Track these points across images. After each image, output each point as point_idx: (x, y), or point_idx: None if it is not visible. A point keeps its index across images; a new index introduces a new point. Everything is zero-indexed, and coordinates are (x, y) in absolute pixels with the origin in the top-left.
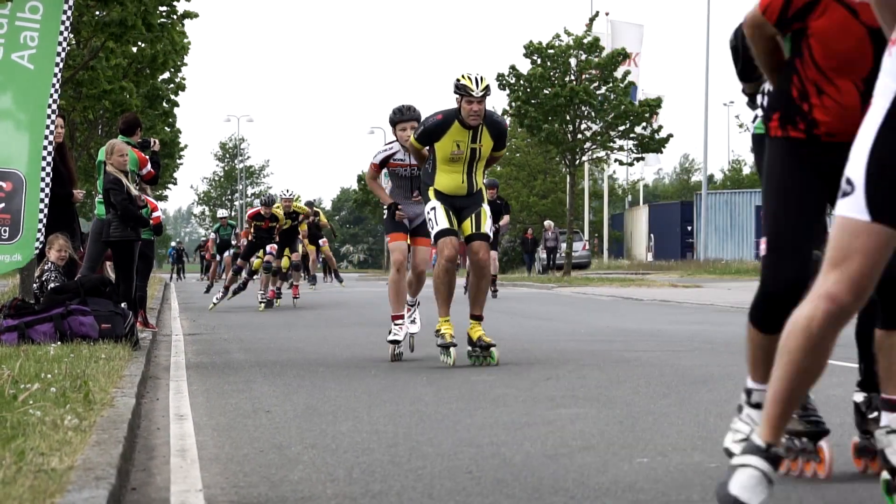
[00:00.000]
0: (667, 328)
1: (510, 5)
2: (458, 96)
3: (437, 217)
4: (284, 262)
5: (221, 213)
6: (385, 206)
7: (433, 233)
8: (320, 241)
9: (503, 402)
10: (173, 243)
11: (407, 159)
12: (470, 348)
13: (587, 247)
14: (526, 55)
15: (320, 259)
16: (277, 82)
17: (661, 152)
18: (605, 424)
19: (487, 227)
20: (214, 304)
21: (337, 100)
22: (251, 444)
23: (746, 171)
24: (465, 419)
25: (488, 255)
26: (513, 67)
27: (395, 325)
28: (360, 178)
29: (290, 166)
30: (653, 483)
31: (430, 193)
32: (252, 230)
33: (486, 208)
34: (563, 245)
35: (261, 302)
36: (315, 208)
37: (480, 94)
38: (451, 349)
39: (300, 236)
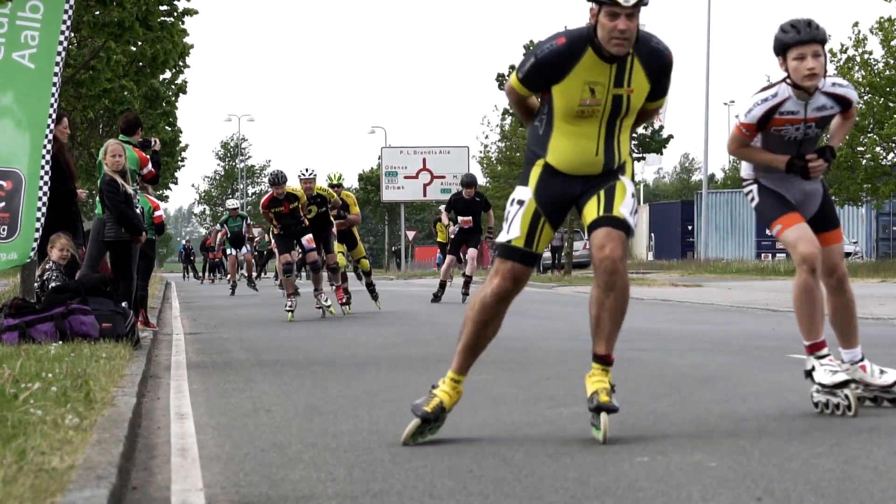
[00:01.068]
0: (667, 327)
1: (511, 5)
2: (593, 6)
3: (514, 220)
4: (340, 259)
5: (231, 203)
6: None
7: (498, 241)
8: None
9: (504, 401)
10: (183, 241)
11: (801, 111)
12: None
13: (588, 246)
14: None
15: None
16: (278, 82)
17: (662, 154)
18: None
19: (626, 208)
20: (290, 310)
21: (338, 99)
22: (252, 443)
23: None
24: (466, 418)
25: (621, 254)
26: (513, 67)
27: (823, 363)
28: (362, 178)
29: (290, 165)
30: (653, 482)
31: (533, 174)
32: (274, 221)
33: (625, 181)
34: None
35: (290, 310)
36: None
37: (632, 2)
38: (420, 424)
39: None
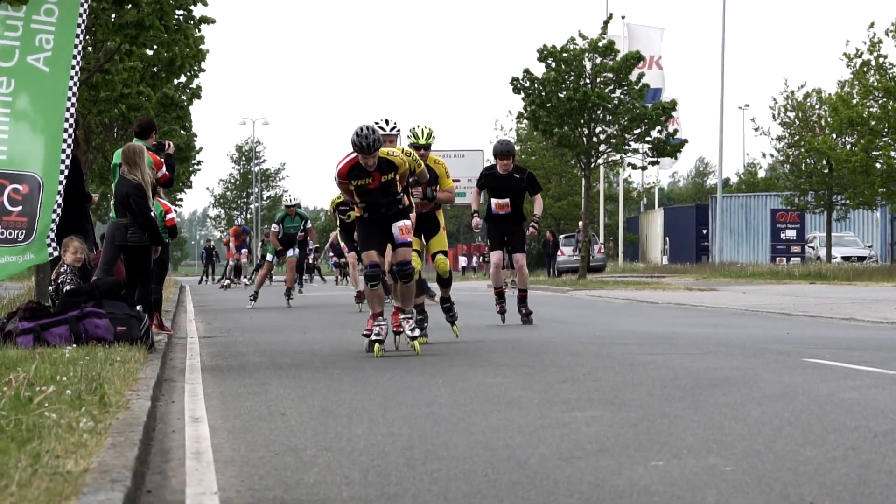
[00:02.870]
0: (682, 331)
1: (525, 9)
2: None
3: None
4: (415, 259)
5: (289, 198)
6: None
7: None
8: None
9: (518, 404)
10: (205, 242)
11: None
12: None
13: (602, 250)
14: (540, 59)
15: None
16: (293, 85)
17: (676, 158)
18: (620, 427)
19: None
20: (377, 340)
21: (352, 103)
22: (266, 446)
23: (762, 174)
24: (481, 422)
25: None
26: (527, 71)
27: None
28: None
29: (305, 169)
30: (668, 486)
31: None
32: (356, 198)
33: None
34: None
35: (377, 339)
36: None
37: None
38: None
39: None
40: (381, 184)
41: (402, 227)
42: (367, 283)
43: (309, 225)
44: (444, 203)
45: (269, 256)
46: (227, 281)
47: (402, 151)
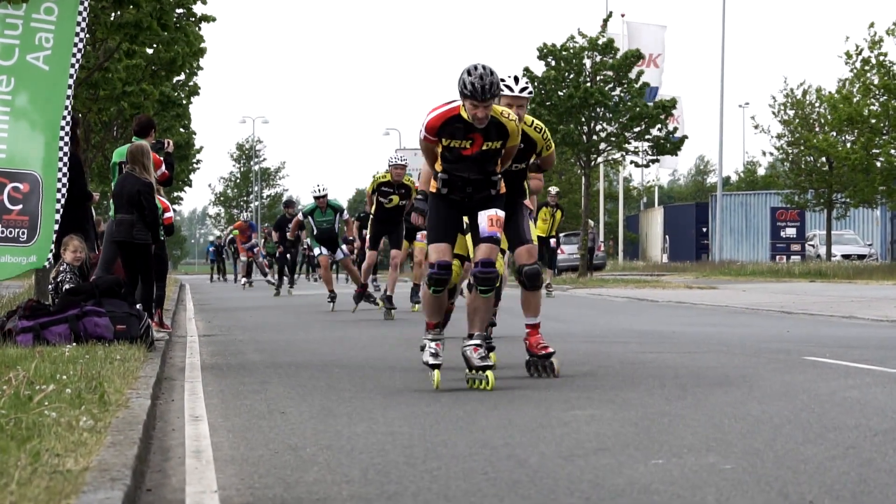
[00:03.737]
0: (682, 329)
1: (524, 7)
2: None
3: None
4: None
5: (317, 188)
6: None
7: None
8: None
9: (518, 403)
10: (212, 238)
11: None
12: None
13: (602, 248)
14: (540, 57)
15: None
16: (293, 84)
17: (677, 155)
18: (620, 426)
19: None
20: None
21: (352, 101)
22: (266, 445)
23: (761, 172)
24: (481, 420)
25: None
26: (527, 69)
27: None
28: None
29: (305, 168)
30: (668, 485)
31: None
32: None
33: None
34: (576, 247)
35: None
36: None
37: None
38: None
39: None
40: (481, 153)
41: (493, 217)
42: (431, 286)
43: (346, 216)
44: (533, 194)
45: (317, 250)
46: (245, 280)
47: (532, 125)
